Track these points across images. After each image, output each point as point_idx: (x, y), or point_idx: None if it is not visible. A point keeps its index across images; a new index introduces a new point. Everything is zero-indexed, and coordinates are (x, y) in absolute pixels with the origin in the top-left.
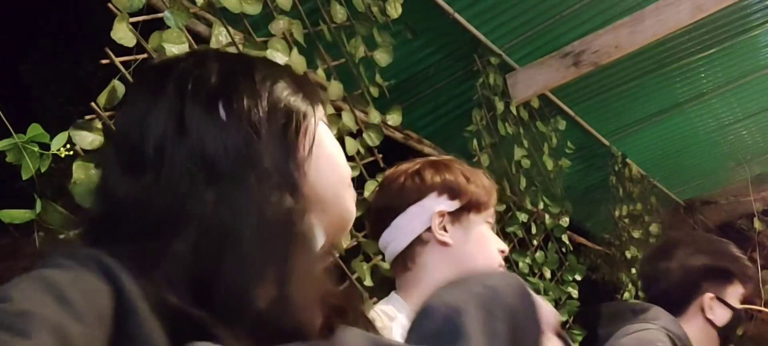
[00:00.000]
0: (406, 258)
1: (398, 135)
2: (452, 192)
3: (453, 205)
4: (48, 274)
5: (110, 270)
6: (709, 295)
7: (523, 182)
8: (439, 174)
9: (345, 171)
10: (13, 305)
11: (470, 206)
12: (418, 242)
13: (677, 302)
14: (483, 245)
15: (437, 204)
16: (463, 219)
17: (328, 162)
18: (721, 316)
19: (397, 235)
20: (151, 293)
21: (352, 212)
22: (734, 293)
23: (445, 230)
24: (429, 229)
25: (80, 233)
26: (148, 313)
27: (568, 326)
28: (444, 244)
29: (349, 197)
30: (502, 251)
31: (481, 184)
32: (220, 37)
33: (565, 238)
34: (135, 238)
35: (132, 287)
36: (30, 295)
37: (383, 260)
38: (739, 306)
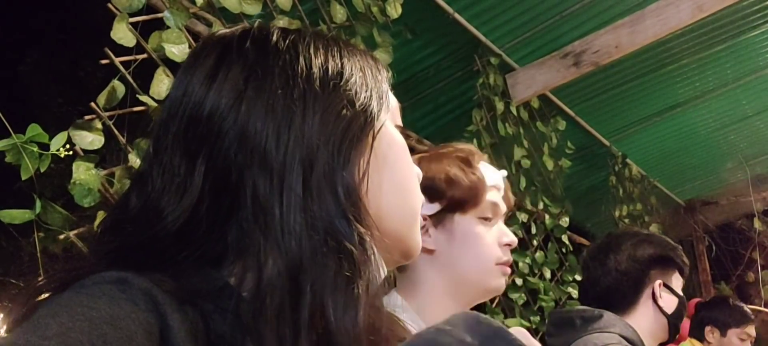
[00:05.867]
0: None
1: None
2: (431, 194)
3: (432, 208)
4: (96, 306)
5: (161, 308)
6: (658, 282)
7: (523, 182)
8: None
9: (416, 200)
10: (46, 341)
11: (452, 208)
12: None
13: (627, 292)
14: (471, 246)
15: None
16: (447, 221)
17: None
18: (669, 303)
19: None
20: (199, 328)
21: (417, 247)
22: (677, 282)
23: (429, 235)
24: None
25: (122, 252)
26: None
27: None
28: (427, 250)
29: (417, 230)
30: (508, 244)
31: (467, 181)
32: None
33: (565, 238)
34: (181, 265)
35: (180, 329)
36: (67, 330)
37: None
38: (681, 294)
